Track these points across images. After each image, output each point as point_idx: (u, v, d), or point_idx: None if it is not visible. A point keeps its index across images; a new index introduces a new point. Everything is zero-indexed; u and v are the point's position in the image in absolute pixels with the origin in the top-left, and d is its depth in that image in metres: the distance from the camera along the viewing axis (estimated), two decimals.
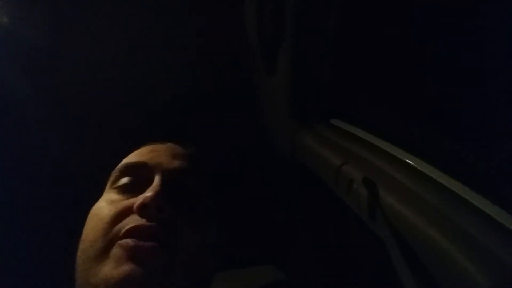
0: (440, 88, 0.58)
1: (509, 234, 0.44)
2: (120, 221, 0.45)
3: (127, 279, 0.40)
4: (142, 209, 0.44)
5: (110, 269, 0.41)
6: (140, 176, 0.50)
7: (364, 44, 0.71)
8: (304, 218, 0.87)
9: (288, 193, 0.90)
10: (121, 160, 0.55)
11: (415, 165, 0.56)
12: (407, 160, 0.58)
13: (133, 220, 0.44)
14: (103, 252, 0.43)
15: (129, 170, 0.52)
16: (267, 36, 0.82)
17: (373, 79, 0.70)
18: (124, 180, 0.51)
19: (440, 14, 0.55)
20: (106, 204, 0.48)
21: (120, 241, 0.43)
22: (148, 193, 0.45)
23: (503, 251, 0.42)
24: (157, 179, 0.48)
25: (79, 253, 0.46)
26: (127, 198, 0.48)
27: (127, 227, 0.43)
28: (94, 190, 0.54)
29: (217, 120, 0.91)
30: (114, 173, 0.52)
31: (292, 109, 0.81)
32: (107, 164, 0.55)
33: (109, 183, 0.53)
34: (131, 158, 0.54)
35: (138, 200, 0.45)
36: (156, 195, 0.45)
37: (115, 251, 0.42)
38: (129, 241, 0.42)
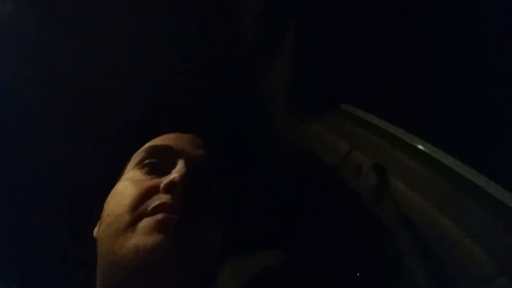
0: (452, 73, 0.57)
1: None
2: (146, 200, 0.45)
3: (157, 249, 0.41)
4: (170, 188, 0.45)
5: (139, 239, 0.42)
6: (164, 159, 0.51)
7: (374, 26, 0.69)
8: (309, 205, 0.87)
9: (293, 178, 0.90)
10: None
11: (426, 150, 0.56)
12: (418, 145, 0.57)
13: (159, 198, 0.45)
14: (130, 226, 0.43)
15: (154, 152, 0.52)
16: (274, 17, 0.80)
17: (383, 63, 0.68)
18: (149, 161, 0.51)
19: None
20: (131, 183, 0.49)
21: (148, 217, 0.43)
22: (176, 173, 0.46)
23: None
24: (182, 163, 0.49)
25: (102, 229, 0.47)
26: (152, 179, 0.48)
27: (154, 204, 0.44)
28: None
29: (220, 107, 0.91)
30: (139, 153, 0.53)
31: (300, 94, 0.81)
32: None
33: (132, 163, 0.53)
34: (157, 141, 0.55)
35: (166, 179, 0.46)
36: (184, 175, 0.46)
37: (144, 223, 0.43)
38: (158, 215, 0.43)
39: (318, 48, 0.77)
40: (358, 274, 0.71)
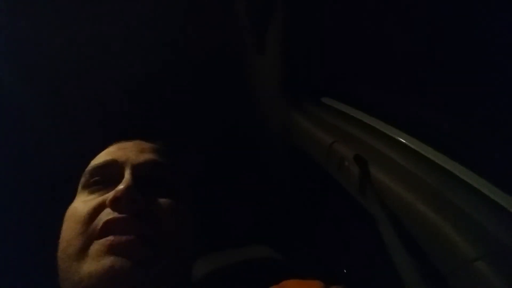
0: (431, 66, 0.58)
1: (496, 207, 0.45)
2: (95, 218, 0.45)
3: (110, 271, 0.41)
4: (115, 203, 0.45)
5: (91, 264, 0.42)
6: (110, 174, 0.50)
7: (357, 20, 0.70)
8: (296, 196, 0.88)
9: (280, 172, 0.91)
10: None
11: (405, 142, 0.57)
12: (398, 137, 0.58)
13: (107, 214, 0.45)
14: (82, 250, 0.43)
15: (98, 170, 0.52)
16: (257, 13, 0.80)
17: (364, 57, 0.69)
18: (95, 179, 0.51)
19: None
20: (80, 204, 0.48)
21: (98, 240, 0.43)
22: (120, 187, 0.46)
23: (490, 223, 0.44)
24: (127, 173, 0.49)
25: (58, 253, 0.47)
26: (100, 196, 0.48)
27: (102, 221, 0.44)
28: None
29: (207, 100, 0.91)
30: (84, 175, 0.53)
31: (283, 88, 0.81)
32: None
33: (80, 185, 0.53)
34: (99, 158, 0.54)
35: (111, 194, 0.45)
36: (128, 188, 0.45)
37: (94, 248, 0.43)
38: (108, 238, 0.43)
39: (303, 40, 0.78)
40: (345, 270, 0.73)
